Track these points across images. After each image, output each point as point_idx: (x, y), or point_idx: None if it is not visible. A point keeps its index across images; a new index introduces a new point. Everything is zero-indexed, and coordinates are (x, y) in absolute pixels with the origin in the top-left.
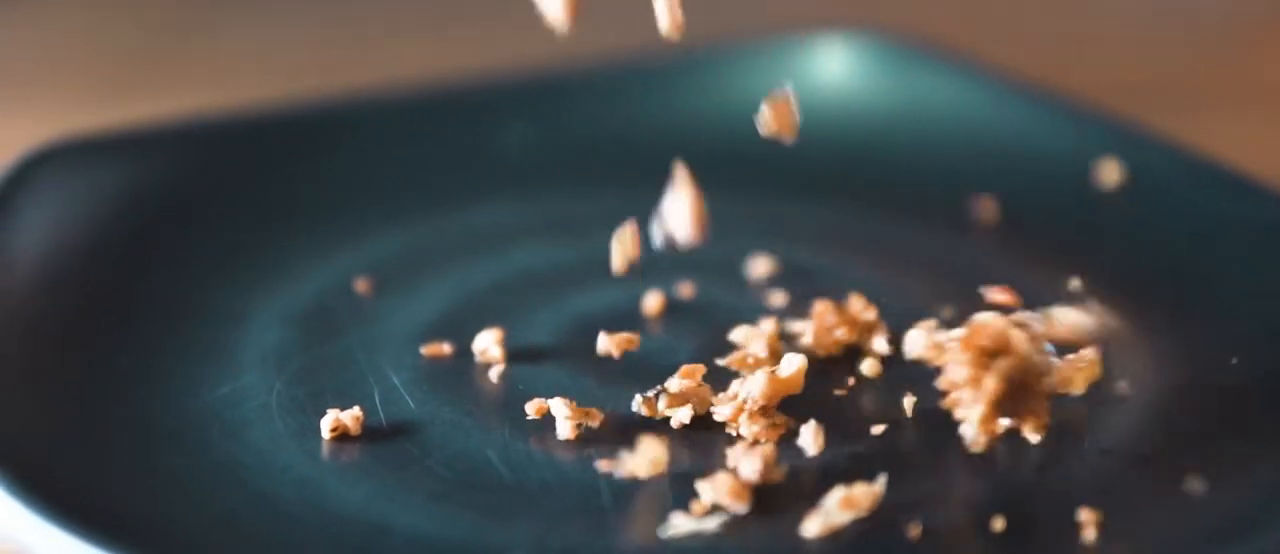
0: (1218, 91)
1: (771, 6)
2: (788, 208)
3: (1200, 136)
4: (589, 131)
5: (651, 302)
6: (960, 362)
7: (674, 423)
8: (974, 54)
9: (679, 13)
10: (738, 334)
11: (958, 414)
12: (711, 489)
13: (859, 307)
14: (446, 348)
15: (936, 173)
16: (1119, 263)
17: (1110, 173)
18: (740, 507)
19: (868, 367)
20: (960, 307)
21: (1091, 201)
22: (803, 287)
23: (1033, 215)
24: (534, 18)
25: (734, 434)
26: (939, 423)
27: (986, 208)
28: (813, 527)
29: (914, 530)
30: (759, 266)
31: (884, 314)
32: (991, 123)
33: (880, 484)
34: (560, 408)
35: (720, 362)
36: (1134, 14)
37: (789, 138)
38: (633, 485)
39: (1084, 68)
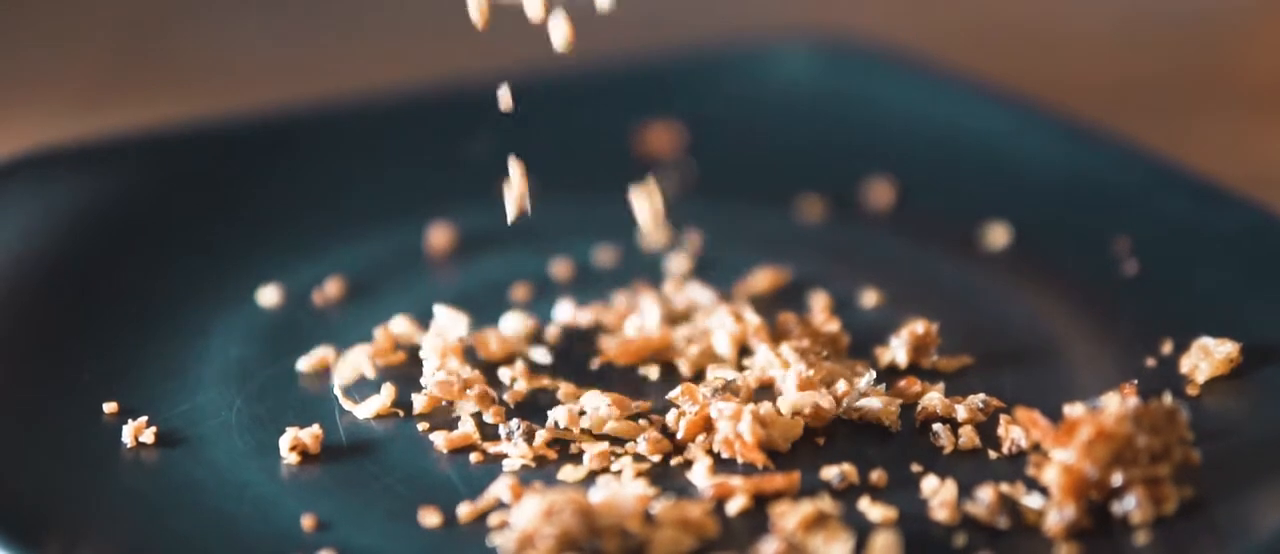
0: (1190, 95)
1: (738, 13)
2: (757, 214)
3: (1172, 141)
4: (556, 140)
5: (615, 311)
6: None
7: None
8: (945, 58)
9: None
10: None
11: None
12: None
13: (821, 319)
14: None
15: (904, 179)
16: (1089, 269)
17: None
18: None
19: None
20: (924, 316)
21: (1057, 206)
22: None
23: (998, 220)
24: (499, 27)
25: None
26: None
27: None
28: (769, 547)
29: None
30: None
31: (847, 326)
32: (961, 128)
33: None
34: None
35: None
36: (1106, 18)
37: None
38: None
39: (1056, 71)
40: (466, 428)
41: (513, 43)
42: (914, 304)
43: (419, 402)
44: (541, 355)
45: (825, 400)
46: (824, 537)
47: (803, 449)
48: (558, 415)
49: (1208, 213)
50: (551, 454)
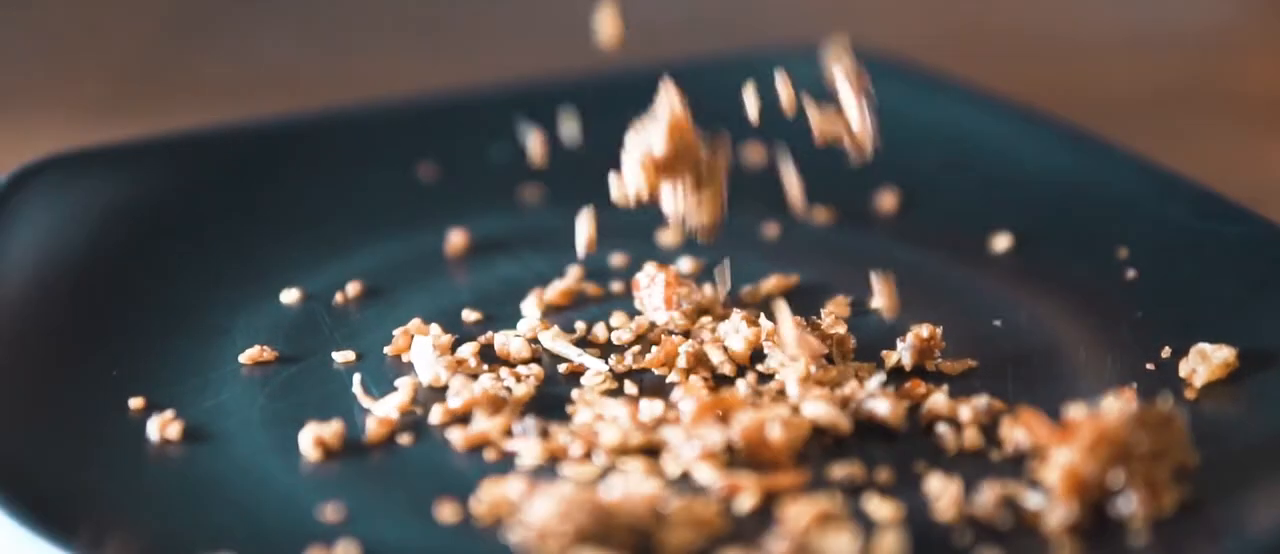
0: (1192, 109)
1: (747, 23)
2: (766, 221)
3: (1173, 152)
4: (576, 144)
5: (628, 315)
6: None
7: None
8: (951, 69)
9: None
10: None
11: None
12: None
13: (829, 323)
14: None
15: (910, 187)
16: (1091, 275)
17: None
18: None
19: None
20: (929, 321)
21: (1060, 214)
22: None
23: (1002, 227)
24: (519, 32)
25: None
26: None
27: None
28: (777, 544)
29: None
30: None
31: (855, 330)
32: (966, 137)
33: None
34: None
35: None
36: (1110, 31)
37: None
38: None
39: (1060, 83)
40: (482, 425)
41: (529, 53)
42: (919, 309)
43: (437, 409)
44: (558, 355)
45: (843, 421)
46: (831, 534)
47: (810, 449)
48: (573, 427)
49: (1207, 222)
50: (564, 452)
